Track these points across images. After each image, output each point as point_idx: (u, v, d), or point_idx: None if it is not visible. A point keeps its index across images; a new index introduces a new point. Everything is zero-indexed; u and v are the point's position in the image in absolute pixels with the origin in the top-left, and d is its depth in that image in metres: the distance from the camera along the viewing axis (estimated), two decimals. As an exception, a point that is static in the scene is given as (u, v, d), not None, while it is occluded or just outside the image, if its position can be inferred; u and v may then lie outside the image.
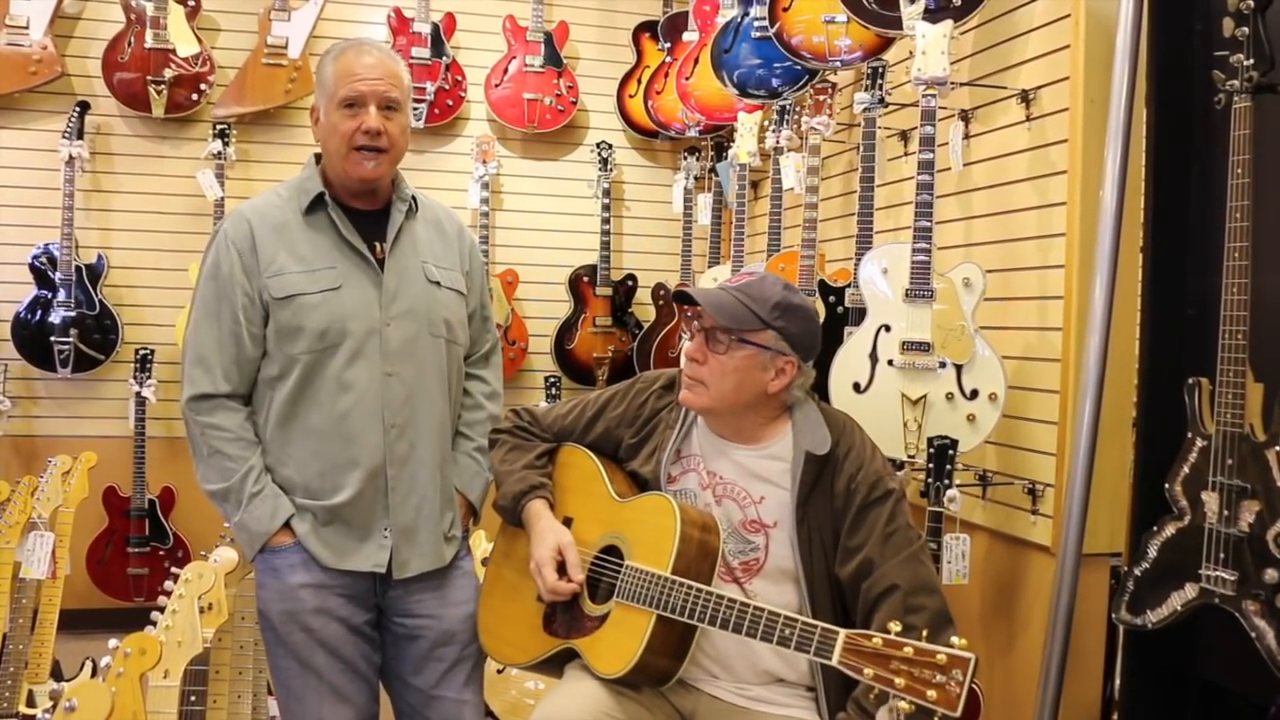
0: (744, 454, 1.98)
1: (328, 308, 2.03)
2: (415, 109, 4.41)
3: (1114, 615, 2.12)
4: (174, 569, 2.15)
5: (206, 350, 2.04)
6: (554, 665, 2.02)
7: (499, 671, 2.98)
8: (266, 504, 2.02)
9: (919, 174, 2.64)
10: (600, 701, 1.84)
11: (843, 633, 1.61)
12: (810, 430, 1.94)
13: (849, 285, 2.95)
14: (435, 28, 4.51)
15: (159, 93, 4.17)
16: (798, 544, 1.89)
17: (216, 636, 2.25)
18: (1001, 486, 2.77)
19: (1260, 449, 1.85)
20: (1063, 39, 2.65)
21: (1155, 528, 2.04)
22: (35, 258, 4.09)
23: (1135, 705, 2.32)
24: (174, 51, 4.17)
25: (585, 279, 4.71)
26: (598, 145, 4.73)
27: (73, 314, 4.09)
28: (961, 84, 2.92)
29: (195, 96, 4.23)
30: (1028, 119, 2.77)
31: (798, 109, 3.40)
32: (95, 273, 4.15)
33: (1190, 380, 1.99)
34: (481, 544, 3.03)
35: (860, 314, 2.76)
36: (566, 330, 4.70)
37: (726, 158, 4.13)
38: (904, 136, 3.32)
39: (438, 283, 2.15)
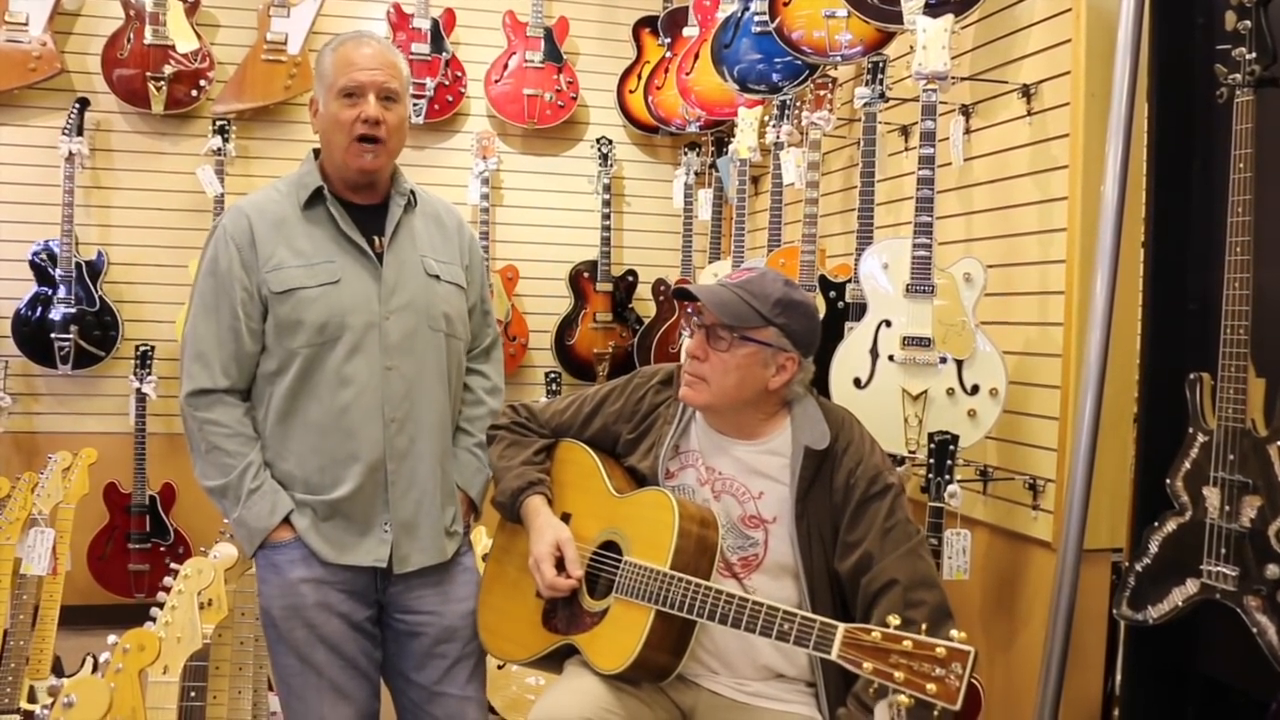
0: (743, 449, 1.98)
1: (327, 301, 2.02)
2: (415, 105, 4.40)
3: (1115, 611, 2.12)
4: (175, 565, 2.15)
5: (205, 346, 2.04)
6: (554, 661, 2.02)
7: (499, 667, 2.98)
8: (265, 500, 2.02)
9: (919, 169, 2.63)
10: (600, 698, 1.84)
11: (842, 626, 1.60)
12: (809, 425, 1.93)
13: (850, 280, 2.94)
14: (435, 23, 4.50)
15: (158, 89, 4.16)
16: (797, 539, 1.89)
17: (216, 633, 2.25)
18: (1002, 482, 2.77)
19: (1262, 444, 1.84)
20: (1064, 33, 2.64)
21: (1156, 523, 2.04)
22: (35, 254, 4.10)
23: (1136, 701, 2.32)
24: (173, 48, 4.17)
25: (586, 275, 4.70)
26: (598, 141, 4.72)
27: (73, 311, 4.09)
28: (962, 79, 2.92)
29: (195, 93, 4.23)
30: (1029, 114, 2.76)
31: (798, 104, 3.39)
32: (95, 269, 4.15)
33: (1191, 375, 1.99)
34: (482, 540, 3.02)
35: (861, 309, 2.76)
36: (567, 326, 4.69)
37: (727, 153, 4.12)
38: (904, 131, 3.31)
39: (437, 276, 2.14)
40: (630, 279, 4.75)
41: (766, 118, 3.65)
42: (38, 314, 4.09)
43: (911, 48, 2.74)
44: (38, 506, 2.88)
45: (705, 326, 1.94)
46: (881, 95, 2.94)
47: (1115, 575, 2.51)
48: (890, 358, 2.64)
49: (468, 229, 2.30)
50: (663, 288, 4.67)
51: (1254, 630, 1.82)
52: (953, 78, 2.70)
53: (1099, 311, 2.33)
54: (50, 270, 4.09)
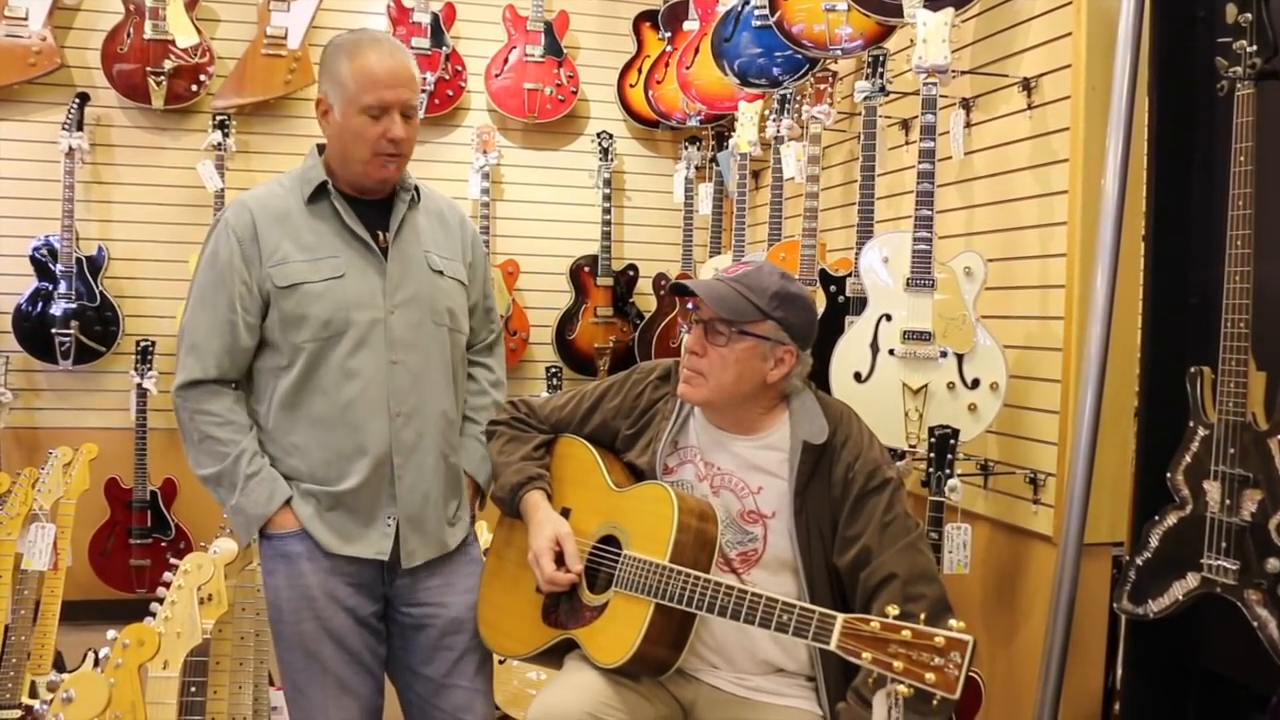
0: (742, 445, 1.98)
1: (331, 296, 2.02)
2: (415, 99, 4.39)
3: (1115, 605, 2.11)
4: (176, 560, 2.15)
5: (199, 338, 2.03)
6: (554, 656, 2.02)
7: (500, 662, 2.98)
8: (264, 486, 2.01)
9: (920, 162, 2.63)
10: (599, 692, 1.84)
11: (841, 617, 1.60)
12: (808, 420, 1.93)
13: (850, 274, 2.94)
14: (435, 18, 4.49)
15: (158, 84, 4.16)
16: (796, 534, 1.89)
17: (217, 628, 2.25)
18: (1003, 476, 2.76)
19: (1262, 438, 1.84)
20: (1064, 26, 2.63)
21: (1157, 517, 2.04)
22: (36, 250, 4.10)
23: (1137, 695, 2.32)
24: (173, 42, 4.17)
25: (586, 269, 4.70)
26: (598, 135, 4.71)
27: (73, 306, 4.09)
28: (962, 72, 2.91)
29: (195, 87, 4.22)
30: (1029, 107, 2.76)
31: (798, 98, 3.39)
32: (96, 264, 4.15)
33: (1192, 369, 1.98)
34: (482, 535, 3.02)
35: (861, 303, 2.76)
36: (568, 321, 4.69)
37: (727, 147, 4.11)
38: (905, 125, 3.30)
39: (440, 272, 2.15)
40: (631, 273, 4.75)
41: (767, 112, 3.64)
42: (38, 309, 4.09)
43: (912, 41, 2.73)
44: (39, 502, 2.88)
45: (703, 321, 1.94)
46: (882, 89, 2.94)
47: (1116, 569, 2.51)
48: (891, 352, 2.64)
49: (470, 225, 2.30)
50: (663, 282, 4.67)
51: (1254, 624, 1.82)
52: (953, 71, 2.70)
53: (1099, 305, 2.33)
54: (51, 265, 4.09)
